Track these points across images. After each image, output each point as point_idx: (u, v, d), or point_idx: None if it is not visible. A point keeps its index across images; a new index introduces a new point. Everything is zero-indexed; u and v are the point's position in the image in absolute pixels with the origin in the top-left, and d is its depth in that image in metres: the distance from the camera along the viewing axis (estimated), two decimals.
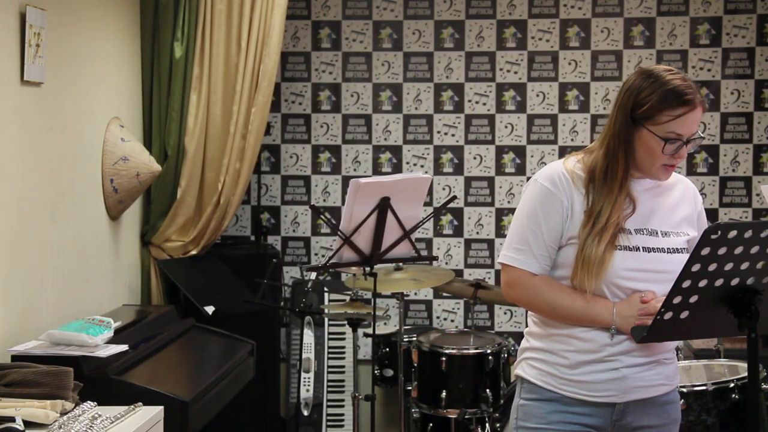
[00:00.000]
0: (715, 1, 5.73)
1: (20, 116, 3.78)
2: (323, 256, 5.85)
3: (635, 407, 2.74)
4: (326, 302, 5.65)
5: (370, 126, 5.91)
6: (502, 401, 4.77)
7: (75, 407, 3.12)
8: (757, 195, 5.72)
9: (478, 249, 5.89)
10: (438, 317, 5.93)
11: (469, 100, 5.87)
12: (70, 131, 4.26)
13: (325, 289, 5.69)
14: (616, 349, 2.70)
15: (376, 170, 5.90)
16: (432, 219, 5.69)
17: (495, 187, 5.87)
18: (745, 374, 3.59)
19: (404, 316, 5.25)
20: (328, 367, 5.61)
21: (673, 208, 2.79)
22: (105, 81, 4.68)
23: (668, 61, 5.72)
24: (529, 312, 2.87)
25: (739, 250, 2.42)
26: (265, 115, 5.25)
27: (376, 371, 5.27)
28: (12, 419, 2.88)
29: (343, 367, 5.65)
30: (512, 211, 5.43)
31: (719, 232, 2.39)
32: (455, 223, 5.90)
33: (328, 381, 5.59)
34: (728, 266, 2.45)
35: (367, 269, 4.24)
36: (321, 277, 5.71)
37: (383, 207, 4.10)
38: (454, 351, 4.83)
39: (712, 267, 2.44)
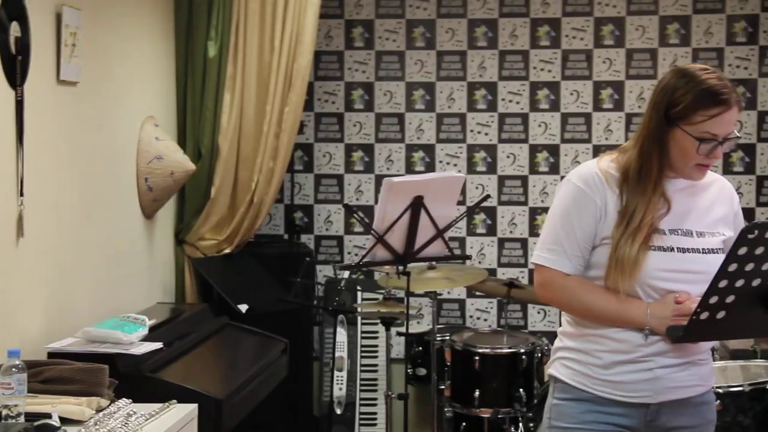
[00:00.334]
0: None
1: (56, 116, 3.82)
2: (356, 254, 5.85)
3: (669, 408, 2.72)
4: (359, 301, 5.65)
5: (403, 125, 5.91)
6: (535, 401, 4.75)
7: (110, 404, 3.15)
8: None
9: (512, 248, 5.88)
10: (471, 316, 5.92)
11: (503, 99, 5.85)
12: (105, 130, 4.29)
13: (358, 287, 5.70)
14: (650, 349, 2.68)
15: (409, 169, 5.89)
16: (465, 218, 5.68)
17: (528, 186, 5.85)
18: None
19: (437, 315, 5.24)
20: (361, 365, 5.62)
21: (709, 209, 2.77)
22: (139, 80, 4.71)
23: (704, 59, 5.68)
24: (562, 312, 2.86)
25: None
26: (299, 114, 5.27)
27: (409, 370, 5.27)
28: (48, 415, 2.90)
29: (376, 365, 5.65)
30: (546, 210, 5.41)
31: (756, 232, 2.37)
32: (488, 222, 5.88)
33: (361, 379, 5.59)
34: (766, 266, 2.43)
35: (401, 268, 4.24)
36: (354, 276, 5.72)
37: (416, 206, 4.09)
38: (487, 350, 4.82)
39: (750, 267, 2.42)
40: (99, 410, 3.08)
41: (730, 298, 2.46)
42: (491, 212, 5.88)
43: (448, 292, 5.87)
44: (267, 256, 5.53)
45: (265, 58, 5.18)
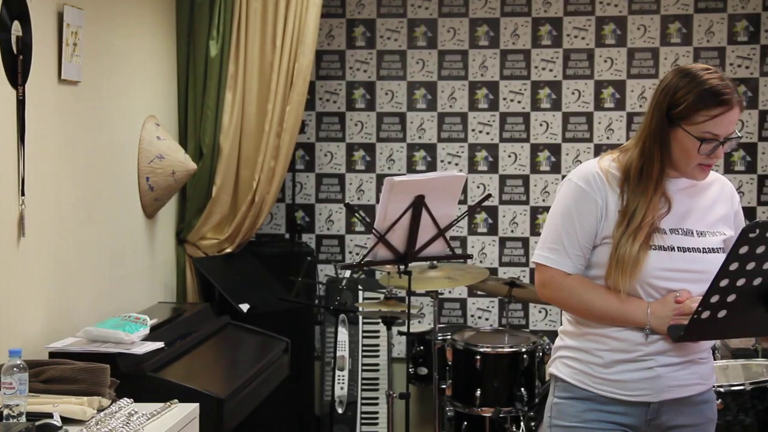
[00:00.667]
0: None
1: (58, 115, 3.82)
2: (357, 254, 5.85)
3: (670, 406, 2.72)
4: (360, 300, 5.66)
5: (404, 124, 5.91)
6: (537, 400, 4.75)
7: (111, 404, 3.15)
8: None
9: (513, 247, 5.88)
10: (472, 315, 5.92)
11: (504, 98, 5.85)
12: (106, 129, 4.30)
13: (360, 287, 5.70)
14: (651, 348, 2.68)
15: (411, 168, 5.89)
16: (466, 217, 5.69)
17: (530, 186, 5.85)
18: None
19: (439, 314, 5.24)
20: (363, 365, 5.62)
21: (709, 208, 2.77)
22: (141, 79, 4.71)
23: (705, 58, 5.68)
24: (563, 311, 2.86)
25: None
26: (300, 114, 5.27)
27: (410, 369, 5.27)
28: (50, 415, 2.90)
29: (377, 365, 5.65)
30: (547, 209, 5.40)
31: (757, 231, 2.37)
32: (490, 221, 5.88)
33: (363, 379, 5.60)
34: (767, 265, 2.42)
35: (402, 267, 4.24)
36: (355, 275, 5.72)
37: (418, 205, 4.09)
38: (488, 349, 4.82)
39: (751, 266, 2.42)
40: (100, 410, 3.08)
41: (731, 297, 2.46)
42: (492, 211, 5.88)
43: (450, 292, 5.87)
44: (268, 255, 5.53)
45: (267, 57, 5.18)
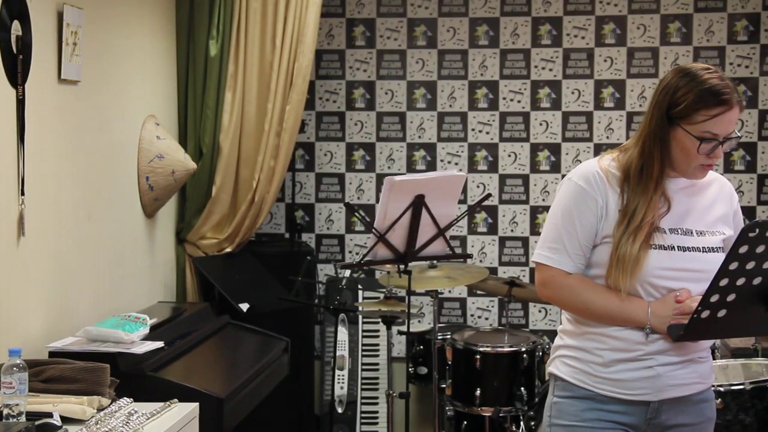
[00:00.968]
0: None
1: (57, 115, 3.82)
2: (357, 253, 5.85)
3: (669, 405, 2.72)
4: (360, 300, 5.65)
5: (404, 123, 5.91)
6: (536, 399, 4.75)
7: (111, 403, 3.15)
8: None
9: (513, 247, 5.88)
10: (472, 315, 5.92)
11: (504, 98, 5.85)
12: (106, 129, 4.30)
13: (359, 286, 5.70)
14: (650, 347, 2.68)
15: (411, 168, 5.89)
16: (466, 217, 5.69)
17: (530, 185, 5.85)
18: None
19: (438, 313, 5.24)
20: (362, 364, 5.62)
21: (709, 207, 2.77)
22: (141, 79, 4.71)
23: (705, 57, 5.68)
24: (563, 310, 2.86)
25: None
26: (300, 113, 5.27)
27: (410, 369, 5.27)
28: (49, 415, 2.90)
29: (377, 364, 5.65)
30: (547, 208, 5.41)
31: (757, 230, 2.37)
32: (490, 220, 5.88)
33: (362, 378, 5.60)
34: (767, 264, 2.43)
35: (402, 267, 4.24)
36: (355, 275, 5.71)
37: (418, 205, 4.09)
38: (488, 349, 4.82)
39: (750, 265, 2.42)
40: (100, 409, 3.08)
41: (731, 297, 2.46)
42: (492, 211, 5.88)
43: (449, 291, 5.87)
44: (268, 255, 5.53)
45: (267, 56, 5.18)
